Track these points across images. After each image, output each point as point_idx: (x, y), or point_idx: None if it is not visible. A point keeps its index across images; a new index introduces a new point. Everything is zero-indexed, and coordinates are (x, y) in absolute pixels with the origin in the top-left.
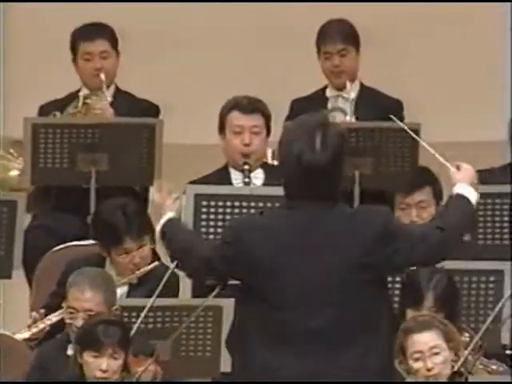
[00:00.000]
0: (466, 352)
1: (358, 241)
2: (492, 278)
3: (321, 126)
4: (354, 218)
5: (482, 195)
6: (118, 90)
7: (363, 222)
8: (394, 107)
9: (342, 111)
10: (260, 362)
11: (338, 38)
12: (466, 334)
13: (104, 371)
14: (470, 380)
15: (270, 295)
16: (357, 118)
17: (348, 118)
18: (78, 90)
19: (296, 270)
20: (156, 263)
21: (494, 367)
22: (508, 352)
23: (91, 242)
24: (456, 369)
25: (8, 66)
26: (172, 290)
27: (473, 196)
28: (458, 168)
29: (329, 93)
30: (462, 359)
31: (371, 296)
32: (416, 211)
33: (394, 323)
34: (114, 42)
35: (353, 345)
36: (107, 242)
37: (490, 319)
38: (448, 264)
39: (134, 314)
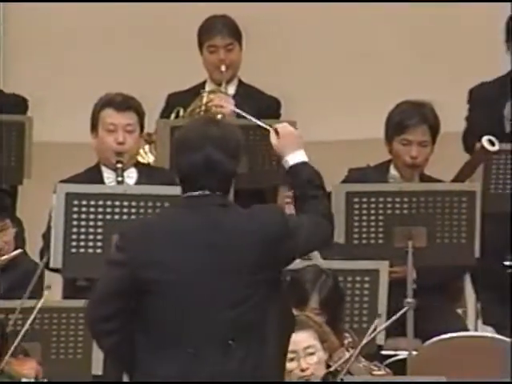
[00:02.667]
0: (348, 353)
1: (256, 241)
2: (367, 278)
3: (214, 122)
4: (251, 218)
5: (360, 194)
6: None
7: (261, 222)
8: (272, 105)
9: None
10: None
11: (225, 32)
12: (347, 335)
13: None
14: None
15: (163, 295)
16: (236, 116)
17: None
18: None
19: (192, 270)
20: (19, 250)
21: (374, 368)
22: (383, 352)
23: None
24: (333, 369)
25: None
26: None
27: (304, 156)
28: (276, 132)
29: (208, 87)
30: (342, 359)
31: (265, 296)
32: None
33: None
34: None
35: (243, 346)
36: None
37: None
38: (323, 264)
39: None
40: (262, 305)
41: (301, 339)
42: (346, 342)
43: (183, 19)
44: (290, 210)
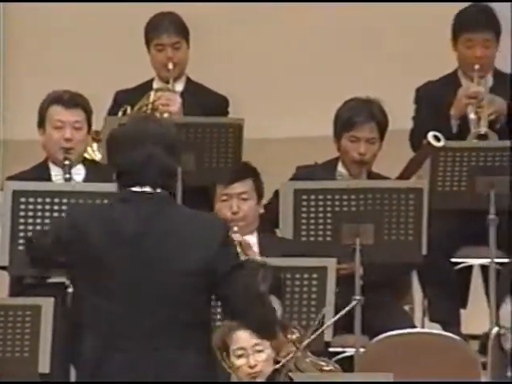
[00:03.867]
0: (294, 349)
1: (191, 242)
2: (315, 275)
3: (153, 120)
4: (195, 219)
5: (308, 191)
6: None
7: (205, 226)
8: (220, 103)
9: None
10: (91, 358)
11: (172, 30)
12: (294, 330)
13: None
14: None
15: (101, 288)
16: (183, 113)
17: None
18: None
19: (131, 266)
20: None
21: (323, 363)
22: (331, 349)
23: None
24: (279, 366)
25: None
26: None
27: None
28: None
29: (156, 85)
30: (289, 356)
31: (199, 298)
32: (237, 202)
33: None
34: None
35: (178, 344)
36: None
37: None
38: (272, 261)
39: None
40: (196, 306)
41: (250, 336)
42: (293, 337)
43: (131, 17)
44: (225, 207)
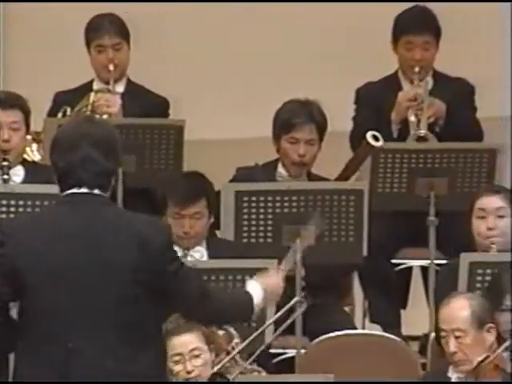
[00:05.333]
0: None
1: (131, 242)
2: None
3: (91, 121)
4: (134, 221)
5: (249, 193)
6: None
7: (145, 228)
8: (160, 104)
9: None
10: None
11: (113, 31)
12: (222, 331)
13: None
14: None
15: (40, 289)
16: (124, 115)
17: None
18: None
19: (68, 266)
20: None
21: (255, 372)
22: (272, 351)
23: None
24: (216, 370)
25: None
26: None
27: (257, 300)
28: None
29: (96, 86)
30: (224, 360)
31: (145, 299)
32: (189, 222)
33: None
34: None
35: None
36: None
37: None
38: (213, 263)
39: None
40: (141, 307)
41: (187, 341)
42: (233, 342)
43: (71, 17)
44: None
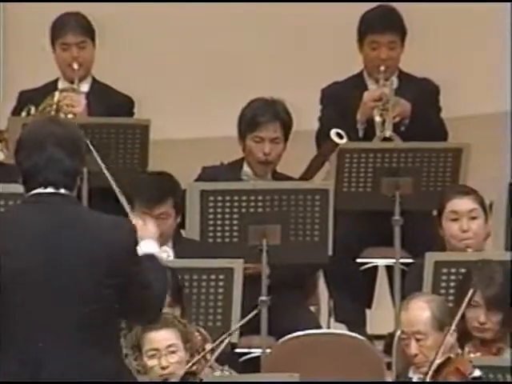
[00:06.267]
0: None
1: (102, 243)
2: (222, 276)
3: (55, 121)
4: (100, 220)
5: (214, 192)
6: None
7: (111, 227)
8: (125, 103)
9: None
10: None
11: (78, 29)
12: (197, 333)
13: None
14: None
15: (3, 298)
16: (89, 114)
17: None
18: None
19: (35, 264)
20: None
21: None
22: (237, 350)
23: None
24: (187, 368)
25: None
26: None
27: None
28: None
29: (61, 85)
30: (194, 359)
31: (112, 299)
32: (156, 222)
33: None
34: None
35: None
36: None
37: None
38: (178, 262)
39: None
40: (104, 307)
41: (164, 337)
42: (208, 345)
43: (36, 16)
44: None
